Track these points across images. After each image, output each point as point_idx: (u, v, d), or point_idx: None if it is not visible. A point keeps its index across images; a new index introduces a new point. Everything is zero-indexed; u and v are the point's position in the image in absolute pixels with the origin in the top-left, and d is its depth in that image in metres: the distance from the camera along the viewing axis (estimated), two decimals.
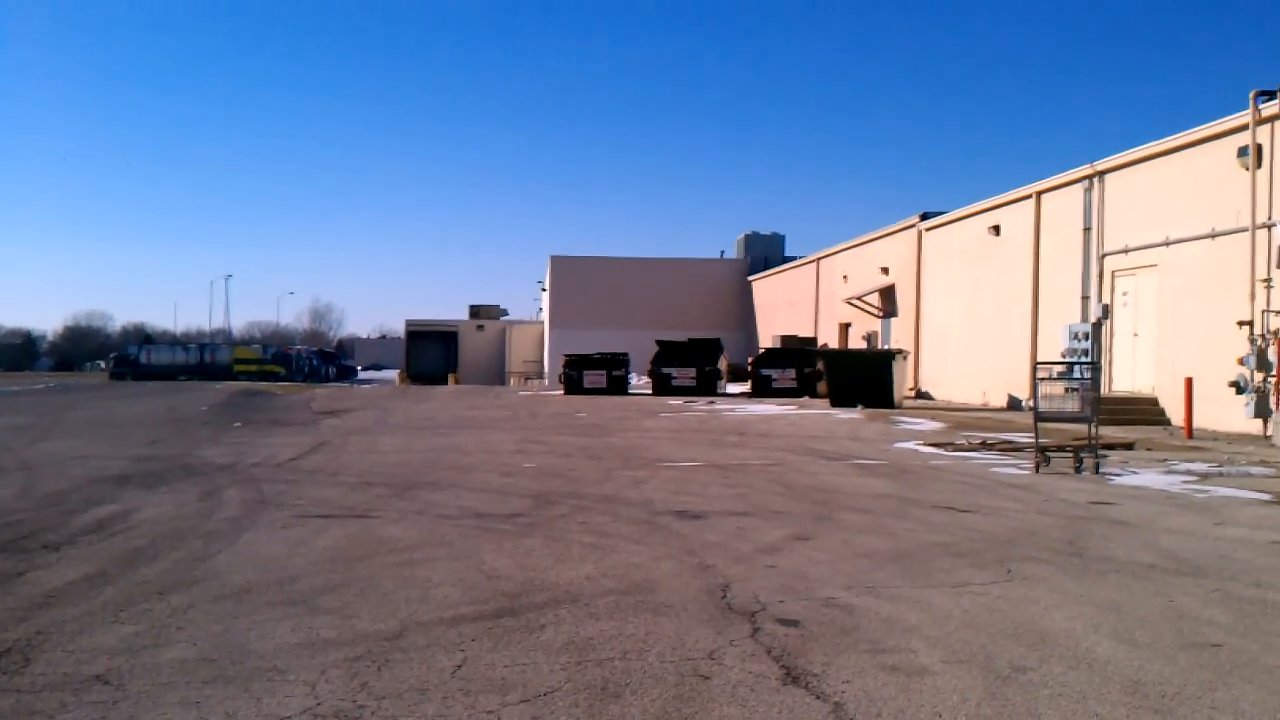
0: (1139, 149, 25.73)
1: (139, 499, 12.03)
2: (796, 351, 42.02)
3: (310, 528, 10.09)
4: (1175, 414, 23.04)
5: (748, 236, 75.00)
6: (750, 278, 68.81)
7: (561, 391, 41.97)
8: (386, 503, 11.82)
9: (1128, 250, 25.92)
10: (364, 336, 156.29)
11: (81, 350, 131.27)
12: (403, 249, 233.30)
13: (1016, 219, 32.06)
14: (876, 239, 44.55)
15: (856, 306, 45.67)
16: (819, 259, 52.98)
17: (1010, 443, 19.02)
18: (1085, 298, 27.76)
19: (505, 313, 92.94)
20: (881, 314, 43.73)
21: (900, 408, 30.95)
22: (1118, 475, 14.59)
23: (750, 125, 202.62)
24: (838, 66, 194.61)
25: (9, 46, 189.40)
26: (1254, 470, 15.15)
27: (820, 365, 36.04)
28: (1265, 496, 12.59)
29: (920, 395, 37.98)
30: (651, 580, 7.73)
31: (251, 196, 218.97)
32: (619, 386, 41.19)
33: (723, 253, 78.87)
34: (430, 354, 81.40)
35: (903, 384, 33.22)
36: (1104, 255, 26.99)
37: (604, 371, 41.30)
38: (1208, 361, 22.20)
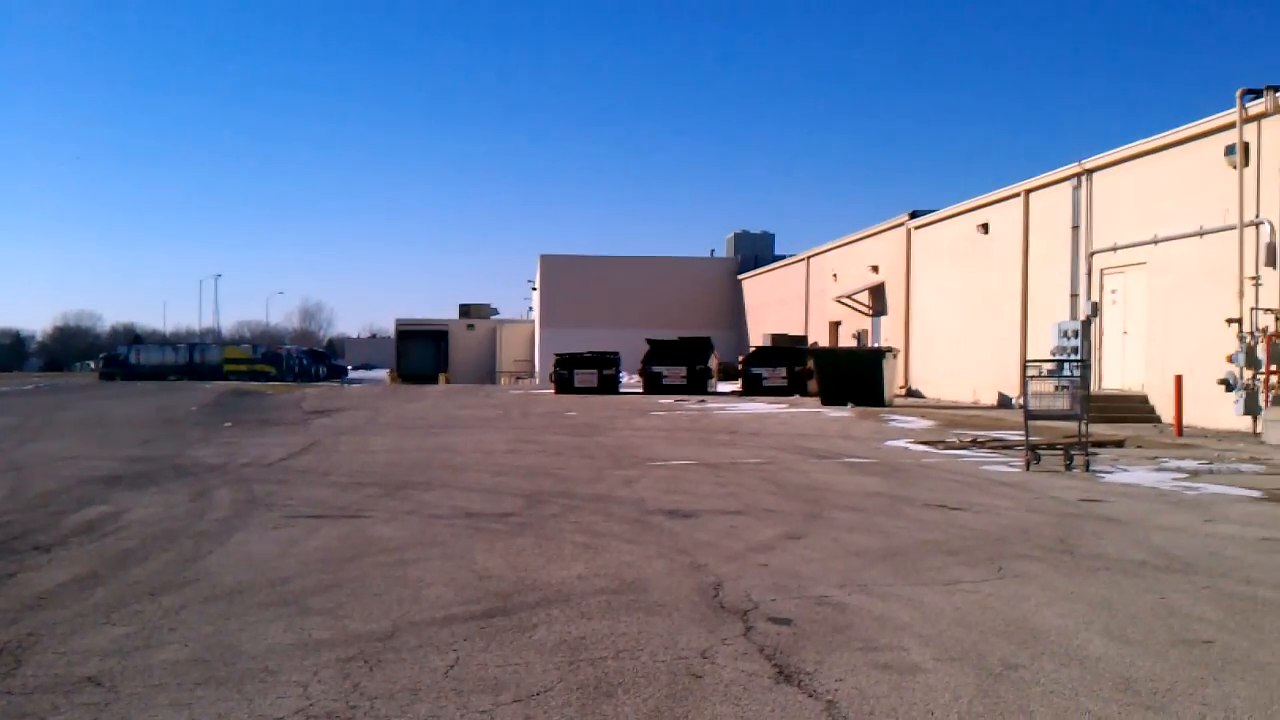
0: (1127, 147, 25.80)
1: (129, 500, 12.00)
2: (787, 350, 42.06)
3: (301, 528, 10.07)
4: (1165, 411, 23.10)
5: (737, 235, 75.06)
6: (740, 276, 68.86)
7: (552, 390, 41.94)
8: (378, 503, 11.81)
9: (1116, 248, 25.98)
10: (354, 336, 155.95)
11: (71, 350, 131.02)
12: (393, 248, 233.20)
13: (1006, 217, 32.13)
14: (866, 237, 44.61)
15: (847, 305, 45.72)
16: (809, 257, 53.04)
17: (1001, 440, 19.06)
18: (1074, 295, 27.83)
19: (496, 312, 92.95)
20: (872, 312, 43.80)
21: (891, 406, 31.00)
22: (1108, 473, 14.62)
23: (740, 124, 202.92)
24: (827, 65, 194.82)
25: None
26: (1244, 467, 15.19)
27: (811, 364, 36.05)
28: (1255, 493, 12.62)
29: (911, 393, 38.04)
30: (644, 579, 7.73)
31: (241, 196, 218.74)
32: (610, 385, 41.19)
33: (713, 251, 79.01)
34: (421, 353, 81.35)
35: (893, 382, 33.29)
36: (1093, 253, 27.05)
37: (595, 370, 41.29)
38: (1197, 359, 22.27)
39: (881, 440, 20.02)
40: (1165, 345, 23.95)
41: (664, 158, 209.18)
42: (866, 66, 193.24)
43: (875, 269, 42.93)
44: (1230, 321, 21.16)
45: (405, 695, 5.15)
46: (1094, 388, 24.05)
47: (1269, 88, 20.84)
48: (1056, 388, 16.36)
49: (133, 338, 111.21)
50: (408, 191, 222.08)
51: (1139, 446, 18.30)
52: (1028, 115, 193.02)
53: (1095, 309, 26.89)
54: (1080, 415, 15.26)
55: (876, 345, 40.73)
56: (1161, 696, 5.17)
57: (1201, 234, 22.75)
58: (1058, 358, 23.97)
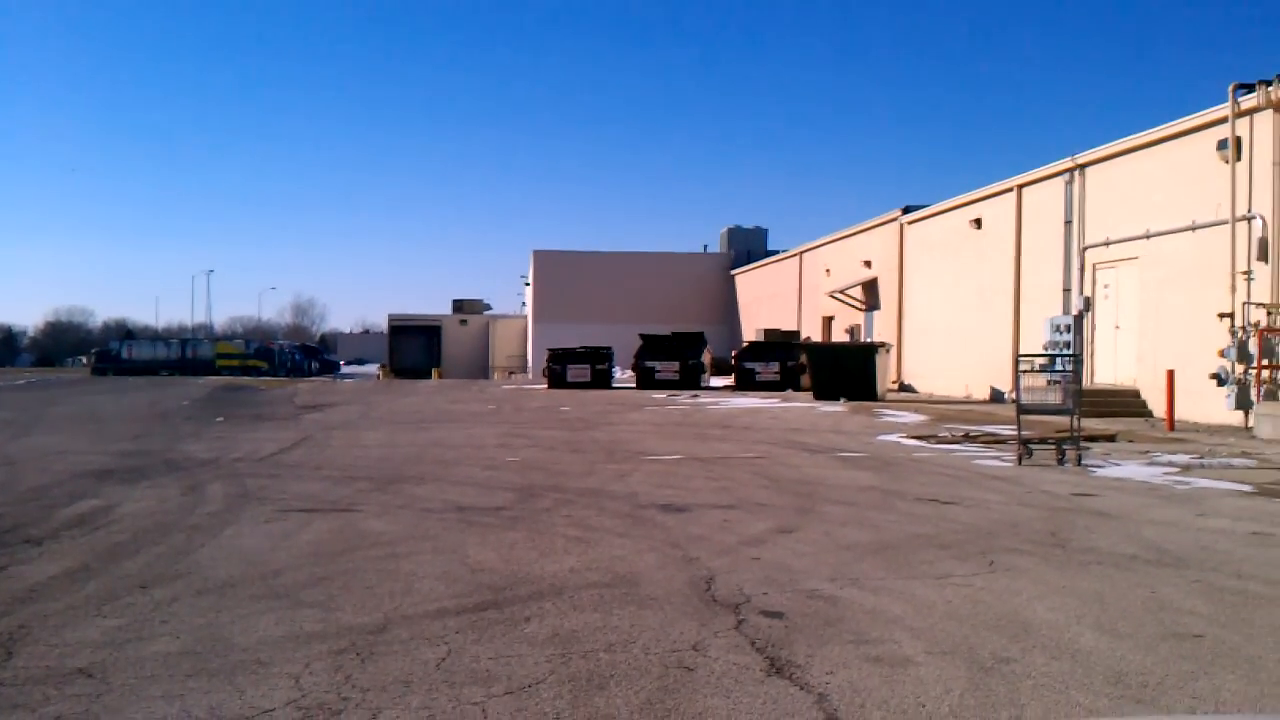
0: (1119, 142, 25.82)
1: (121, 494, 11.99)
2: (780, 345, 42.06)
3: (293, 522, 10.06)
4: (1157, 406, 23.14)
5: (730, 230, 75.01)
6: (733, 271, 68.85)
7: (545, 385, 41.96)
8: (370, 497, 11.80)
9: (1109, 243, 26.01)
10: (346, 331, 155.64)
11: (63, 346, 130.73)
12: (385, 243, 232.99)
13: (998, 212, 32.16)
14: (859, 232, 44.62)
15: (839, 300, 45.74)
16: (801, 253, 53.05)
17: (993, 435, 19.09)
18: (1067, 290, 27.86)
19: (488, 307, 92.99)
20: (864, 307, 43.82)
21: (883, 400, 31.04)
22: (1100, 467, 14.64)
23: (733, 119, 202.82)
24: (819, 61, 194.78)
25: None
26: (1235, 462, 15.22)
27: (803, 359, 36.08)
28: (1246, 488, 12.65)
29: (903, 388, 38.07)
30: (636, 573, 7.74)
31: (232, 192, 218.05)
32: (603, 380, 41.20)
33: (705, 247, 78.88)
34: (413, 348, 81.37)
35: (885, 377, 33.31)
36: (1085, 248, 27.08)
37: (588, 365, 41.30)
38: (1189, 354, 22.31)
39: (874, 435, 20.04)
40: (1157, 340, 23.99)
41: (657, 153, 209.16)
42: (860, 62, 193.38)
43: (868, 264, 42.94)
44: (1222, 316, 21.19)
45: (397, 687, 5.15)
46: (1086, 382, 24.05)
47: (1261, 82, 20.86)
48: (1049, 382, 16.38)
49: (125, 333, 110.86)
50: (400, 187, 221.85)
51: (1131, 441, 18.34)
52: (1020, 110, 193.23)
53: (1088, 304, 26.92)
54: (1072, 410, 15.28)
55: (869, 340, 40.74)
56: (1152, 690, 5.19)
57: (1194, 229, 22.78)
58: (1050, 352, 24.01)
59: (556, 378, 41.17)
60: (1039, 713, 4.85)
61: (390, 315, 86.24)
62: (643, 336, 42.54)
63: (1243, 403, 20.37)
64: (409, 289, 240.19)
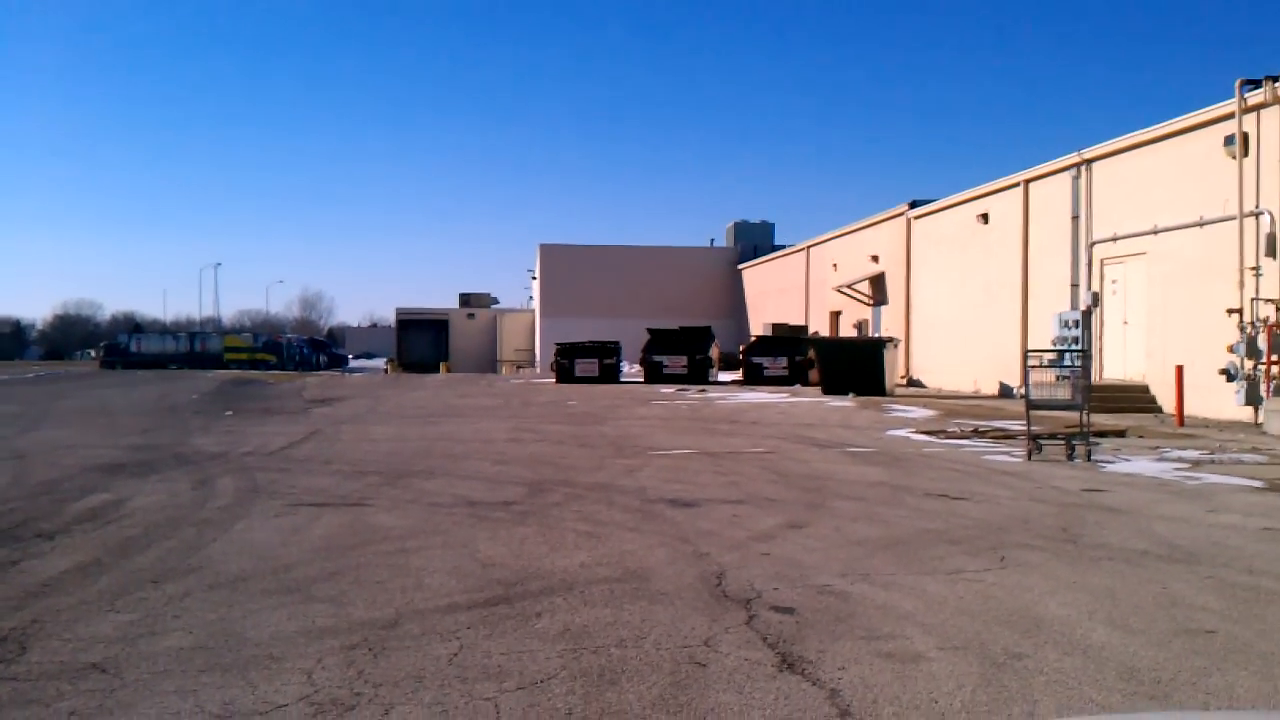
0: (1126, 137, 25.75)
1: (132, 488, 12.02)
2: (788, 340, 41.98)
3: (304, 516, 10.08)
4: (1166, 401, 23.09)
5: (737, 225, 74.92)
6: (740, 266, 68.77)
7: (553, 380, 41.91)
8: (379, 491, 11.82)
9: (1116, 238, 25.95)
10: (354, 325, 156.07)
11: (71, 339, 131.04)
12: (392, 237, 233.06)
13: (1005, 207, 32.09)
14: (866, 227, 44.54)
15: (847, 294, 45.68)
16: (809, 247, 52.98)
17: (1002, 430, 19.06)
18: (1075, 285, 27.79)
19: (496, 301, 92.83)
20: (872, 302, 43.76)
21: (892, 395, 31.00)
22: (1110, 462, 14.62)
23: (740, 114, 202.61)
24: (826, 55, 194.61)
25: None
26: (1245, 457, 15.20)
27: (811, 353, 36.02)
28: (1257, 483, 12.62)
29: (912, 383, 38.03)
30: (646, 568, 7.75)
31: (240, 185, 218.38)
32: (610, 375, 41.17)
33: (712, 241, 78.79)
34: (421, 342, 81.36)
35: (894, 372, 33.27)
36: (1093, 243, 27.02)
37: (595, 360, 41.25)
38: (1198, 349, 22.26)
39: (883, 430, 20.02)
40: (1166, 335, 23.94)
41: (664, 147, 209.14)
42: (867, 56, 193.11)
43: (875, 259, 42.87)
44: (1231, 312, 21.13)
45: (410, 682, 5.16)
46: (1095, 378, 24.04)
47: (1268, 78, 20.79)
48: (1058, 378, 16.36)
49: (133, 326, 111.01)
50: (408, 180, 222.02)
51: (1140, 436, 18.31)
52: (1027, 105, 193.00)
53: (1096, 299, 26.87)
54: (1082, 405, 15.27)
55: (877, 335, 40.70)
56: (1164, 686, 5.18)
57: (1201, 224, 22.72)
58: (1059, 348, 23.96)
59: (564, 372, 41.15)
60: (1051, 708, 4.85)
61: (398, 309, 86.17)
62: (650, 331, 42.49)
63: (1252, 398, 20.33)
64: (416, 283, 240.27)
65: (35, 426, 21.13)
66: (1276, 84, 20.61)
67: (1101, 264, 26.85)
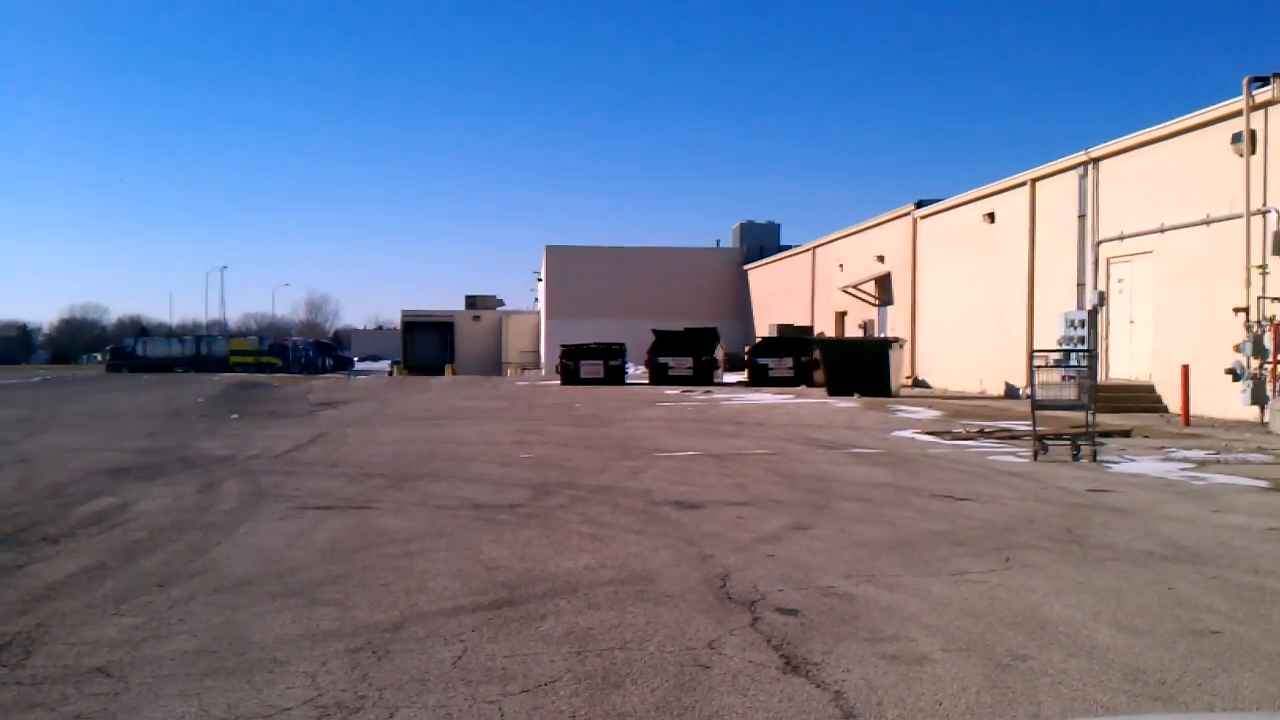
0: (1133, 136, 25.71)
1: (137, 491, 12.04)
2: (793, 340, 41.96)
3: (309, 519, 10.09)
4: (1172, 401, 23.06)
5: (743, 225, 74.85)
6: (746, 266, 68.73)
7: (558, 382, 41.96)
8: (385, 494, 11.83)
9: (1123, 237, 25.92)
10: (360, 327, 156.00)
11: (77, 343, 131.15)
12: (398, 240, 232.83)
13: (1011, 206, 32.06)
14: (872, 227, 44.51)
15: (853, 295, 45.65)
16: (815, 248, 52.95)
17: (1008, 431, 19.04)
18: (1081, 285, 27.76)
19: (501, 303, 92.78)
20: (878, 302, 43.73)
21: (897, 396, 30.98)
22: (1115, 463, 14.60)
23: (745, 114, 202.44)
24: (832, 55, 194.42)
25: (1, 36, 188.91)
26: (1251, 457, 15.18)
27: (817, 354, 36.00)
28: (1263, 483, 12.60)
29: (917, 383, 38.00)
30: (651, 570, 7.74)
31: (246, 188, 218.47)
32: (616, 376, 41.19)
33: (718, 242, 78.71)
34: (427, 345, 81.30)
35: (899, 372, 33.24)
36: (1099, 242, 26.99)
37: (601, 361, 41.27)
38: (1204, 348, 22.22)
39: (888, 431, 20.00)
40: (1172, 335, 23.90)
41: (669, 148, 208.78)
42: (872, 56, 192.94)
43: (881, 259, 42.84)
44: (1237, 311, 21.09)
45: (414, 685, 5.16)
46: (1101, 378, 23.98)
47: (1275, 75, 20.76)
48: (1063, 378, 16.33)
49: (139, 330, 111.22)
50: (413, 183, 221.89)
51: (1146, 436, 18.28)
52: (1033, 104, 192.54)
53: (1102, 298, 26.82)
54: (1087, 405, 15.25)
55: (882, 335, 40.66)
56: (1170, 687, 5.17)
57: (1208, 223, 22.69)
58: (1065, 347, 23.93)
59: (570, 374, 41.18)
60: (1056, 710, 4.85)
61: (404, 311, 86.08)
62: (656, 332, 42.50)
63: (1258, 398, 20.28)
64: (422, 285, 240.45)
65: (41, 430, 21.18)
66: None
67: (1108, 263, 26.81)
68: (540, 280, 77.07)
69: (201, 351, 75.12)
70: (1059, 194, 29.21)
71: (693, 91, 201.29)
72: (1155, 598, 6.93)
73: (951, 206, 36.51)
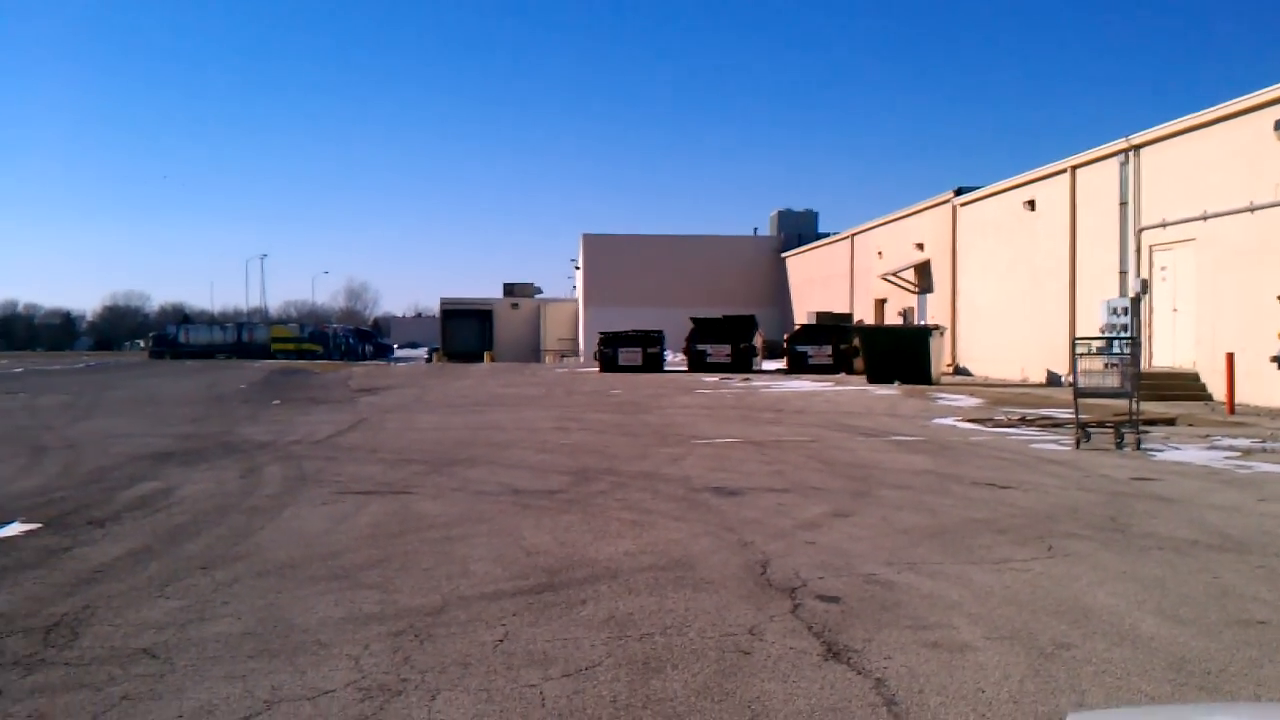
0: (1175, 122, 25.43)
1: (181, 476, 12.15)
2: (832, 328, 41.85)
3: (350, 504, 10.15)
4: (1216, 389, 22.83)
5: (780, 213, 74.61)
6: (784, 254, 68.52)
7: (597, 369, 42.03)
8: (425, 479, 11.88)
9: (1165, 224, 25.66)
10: (399, 315, 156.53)
11: (120, 330, 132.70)
12: (437, 228, 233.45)
13: (1052, 194, 31.78)
14: (911, 215, 44.26)
15: (892, 282, 45.44)
16: (853, 235, 52.73)
17: (1050, 418, 18.91)
18: (1123, 272, 27.51)
19: (539, 290, 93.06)
20: (917, 290, 43.50)
21: (938, 384, 30.83)
22: (1159, 451, 14.47)
23: (783, 102, 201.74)
24: (872, 42, 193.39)
25: (44, 25, 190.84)
26: None
27: (856, 341, 35.90)
28: None
29: (958, 371, 37.78)
30: (690, 556, 7.74)
31: (286, 177, 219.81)
32: (654, 364, 41.21)
33: (756, 230, 78.52)
34: (465, 332, 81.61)
35: (940, 360, 33.06)
36: (1141, 230, 26.72)
37: (639, 349, 41.31)
38: (1249, 336, 21.98)
39: (929, 418, 19.90)
40: (1216, 322, 23.65)
41: (707, 136, 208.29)
42: (912, 43, 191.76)
43: (920, 246, 42.60)
44: None
45: (455, 669, 5.19)
46: (1144, 365, 23.76)
47: None
48: (1106, 365, 16.20)
49: (181, 317, 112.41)
50: (452, 171, 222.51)
51: (1190, 424, 18.11)
52: (1074, 91, 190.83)
53: (1144, 286, 26.57)
54: (1131, 393, 15.11)
55: (922, 323, 40.45)
56: (1215, 677, 5.12)
57: (1252, 209, 22.42)
58: (1107, 335, 23.73)
59: (608, 361, 41.23)
60: (1100, 699, 4.81)
61: (442, 299, 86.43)
62: (694, 320, 42.49)
63: None
64: (460, 273, 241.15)
65: (86, 416, 21.41)
66: None
67: (1150, 250, 26.55)
68: (578, 268, 77.15)
69: (243, 338, 75.79)
70: (1100, 181, 28.92)
71: (731, 80, 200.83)
72: (1200, 587, 6.86)
73: (991, 194, 36.24)
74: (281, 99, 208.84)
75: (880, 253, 47.64)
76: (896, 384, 30.09)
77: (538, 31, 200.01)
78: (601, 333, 43.30)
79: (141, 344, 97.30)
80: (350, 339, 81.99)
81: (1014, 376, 33.28)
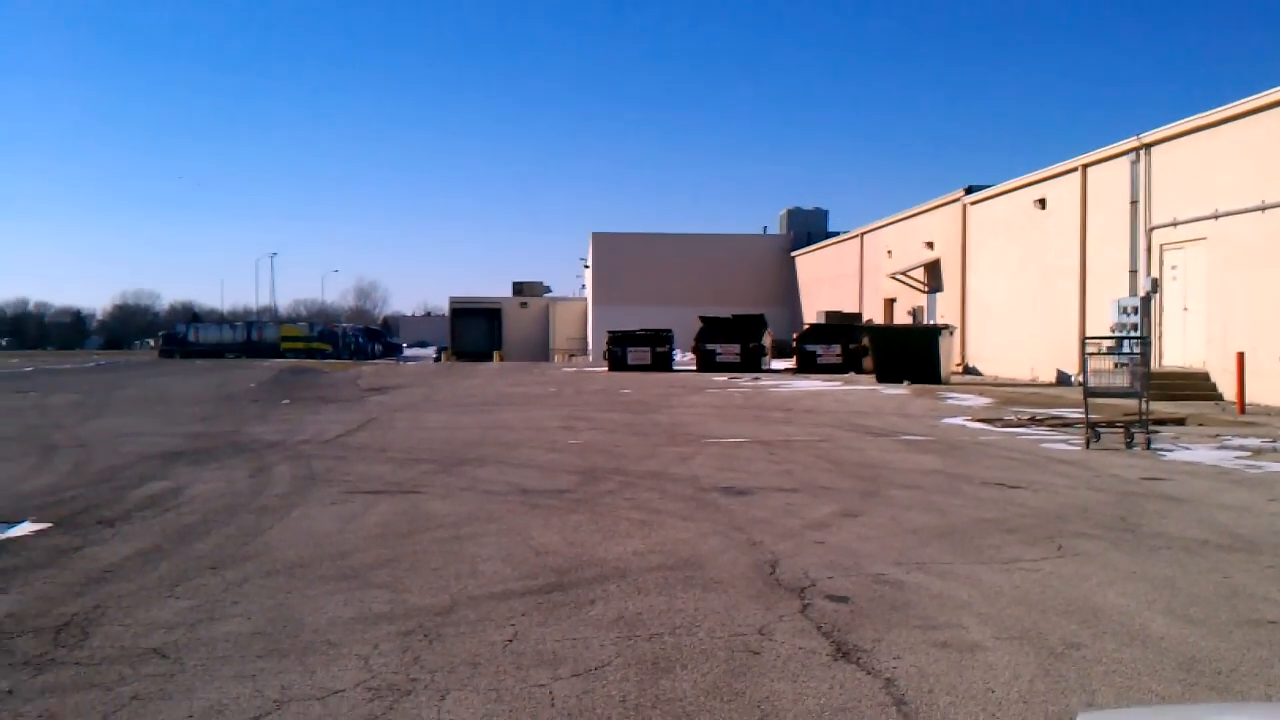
0: (1186, 121, 25.36)
1: (190, 475, 12.17)
2: (841, 327, 41.79)
3: (359, 503, 10.17)
4: (1227, 389, 22.77)
5: (790, 211, 74.53)
6: (793, 253, 68.46)
7: (606, 368, 42.03)
8: (434, 479, 11.89)
9: (1176, 223, 25.59)
10: (408, 314, 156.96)
11: (130, 328, 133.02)
12: (446, 227, 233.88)
13: (1062, 192, 31.71)
14: (920, 213, 44.18)
15: (901, 281, 45.36)
16: (862, 234, 52.65)
17: (1060, 418, 18.87)
18: (1133, 271, 27.44)
19: (548, 289, 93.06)
20: (927, 289, 43.42)
21: (947, 383, 30.78)
22: (1169, 451, 14.44)
23: (793, 100, 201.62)
24: (881, 40, 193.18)
25: (52, 24, 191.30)
26: None
27: (865, 341, 35.83)
28: None
29: (967, 370, 37.72)
30: (699, 556, 7.74)
31: (295, 176, 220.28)
32: (663, 363, 41.20)
33: (765, 228, 78.43)
34: (474, 331, 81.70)
35: (949, 359, 33.01)
36: (1152, 228, 26.66)
37: (648, 348, 41.31)
38: (1259, 335, 21.92)
39: (938, 418, 19.87)
40: (1227, 322, 23.59)
41: (717, 135, 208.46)
42: (922, 42, 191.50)
43: (930, 245, 42.52)
44: None
45: (465, 668, 5.19)
46: (1154, 365, 23.69)
47: None
48: (1116, 365, 16.16)
49: (191, 316, 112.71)
50: (462, 169, 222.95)
51: (1200, 424, 18.06)
52: (1085, 89, 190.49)
53: (1155, 285, 26.51)
54: (1141, 393, 15.07)
55: (932, 322, 40.38)
56: (1225, 677, 5.11)
57: (1263, 208, 22.35)
58: (1117, 334, 23.67)
59: (617, 360, 41.24)
60: (1110, 699, 4.80)
61: (451, 298, 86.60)
62: (703, 319, 42.46)
63: None
64: (470, 272, 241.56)
65: (96, 415, 21.46)
66: None
67: (1161, 249, 26.48)
68: (587, 267, 77.13)
69: (252, 337, 75.94)
70: (1111, 180, 28.85)
71: (741, 78, 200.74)
72: (1210, 587, 6.85)
73: (1002, 193, 36.16)
74: (292, 97, 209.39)
75: (890, 252, 47.58)
76: (906, 383, 30.05)
77: (548, 30, 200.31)
78: (610, 332, 43.29)
79: (151, 343, 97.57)
80: (359, 338, 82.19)
81: (1024, 376, 33.22)
